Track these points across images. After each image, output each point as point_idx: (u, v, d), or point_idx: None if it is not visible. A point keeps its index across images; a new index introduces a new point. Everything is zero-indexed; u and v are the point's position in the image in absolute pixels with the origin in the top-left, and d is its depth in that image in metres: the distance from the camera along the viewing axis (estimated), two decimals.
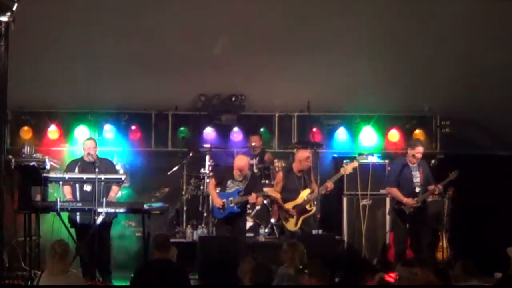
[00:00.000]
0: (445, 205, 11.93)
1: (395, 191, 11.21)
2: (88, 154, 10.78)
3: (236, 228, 11.21)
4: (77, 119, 12.93)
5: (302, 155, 11.49)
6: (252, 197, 11.03)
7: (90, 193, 10.51)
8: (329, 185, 11.31)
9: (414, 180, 11.13)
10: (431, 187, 11.11)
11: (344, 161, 12.14)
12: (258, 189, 11.22)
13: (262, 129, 13.42)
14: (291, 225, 11.31)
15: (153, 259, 8.27)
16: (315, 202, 11.42)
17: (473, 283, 7.84)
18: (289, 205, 11.28)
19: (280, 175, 11.55)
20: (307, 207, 11.27)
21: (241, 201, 11.09)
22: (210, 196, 11.63)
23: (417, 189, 11.12)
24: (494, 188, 12.02)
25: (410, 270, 7.03)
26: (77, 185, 10.77)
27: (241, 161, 11.22)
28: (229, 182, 11.22)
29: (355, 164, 11.60)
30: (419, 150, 11.14)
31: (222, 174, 11.45)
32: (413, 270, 7.02)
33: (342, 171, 11.49)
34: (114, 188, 10.93)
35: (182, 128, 13.27)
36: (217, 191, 11.29)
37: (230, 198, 11.07)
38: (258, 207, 12.12)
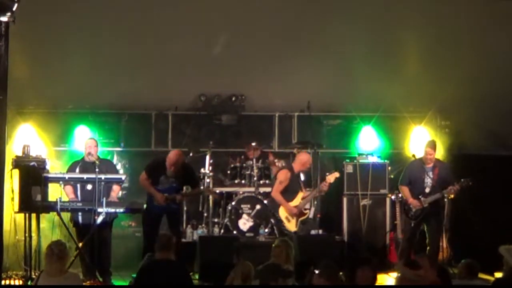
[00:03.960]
0: (445, 205, 11.92)
1: (404, 190, 11.45)
2: (89, 153, 10.80)
3: (174, 227, 10.81)
4: (77, 119, 12.91)
5: (305, 157, 11.52)
6: (178, 197, 10.75)
7: (92, 192, 10.53)
8: (324, 186, 11.36)
9: (426, 180, 11.22)
10: (449, 188, 11.16)
11: (345, 161, 12.23)
12: (193, 183, 11.01)
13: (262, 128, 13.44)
14: (292, 225, 11.32)
15: (156, 259, 8.28)
16: (315, 203, 11.46)
17: (476, 283, 7.84)
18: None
19: (287, 174, 11.52)
20: (303, 209, 11.36)
21: (173, 198, 10.72)
22: (148, 193, 10.89)
23: (427, 189, 11.25)
24: (494, 188, 11.99)
25: (415, 273, 7.01)
26: (78, 185, 10.79)
27: (175, 156, 10.75)
28: (162, 178, 10.81)
29: (337, 174, 11.62)
30: (426, 151, 11.30)
31: (154, 168, 10.89)
32: (418, 272, 7.01)
33: (327, 179, 11.49)
34: (115, 188, 10.94)
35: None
36: None
37: (166, 195, 10.69)
38: (258, 207, 12.07)
